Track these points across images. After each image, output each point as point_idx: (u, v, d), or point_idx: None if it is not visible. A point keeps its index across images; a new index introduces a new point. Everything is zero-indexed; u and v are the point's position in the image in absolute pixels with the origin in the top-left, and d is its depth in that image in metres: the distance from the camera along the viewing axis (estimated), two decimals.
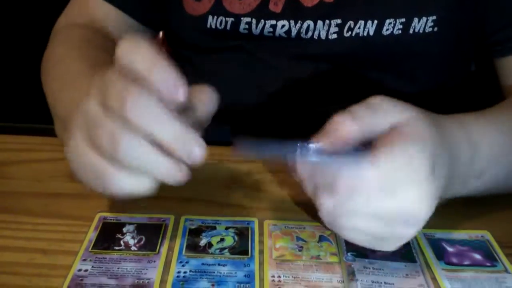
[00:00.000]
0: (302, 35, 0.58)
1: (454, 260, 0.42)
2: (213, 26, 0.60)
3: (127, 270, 0.40)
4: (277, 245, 0.43)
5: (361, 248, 0.40)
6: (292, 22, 0.58)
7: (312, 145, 0.36)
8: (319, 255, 0.42)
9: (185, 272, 0.40)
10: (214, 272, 0.40)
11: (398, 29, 0.56)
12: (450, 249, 0.43)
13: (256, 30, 0.59)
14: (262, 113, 0.63)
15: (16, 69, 1.81)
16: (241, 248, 0.43)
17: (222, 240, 0.43)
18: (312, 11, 0.57)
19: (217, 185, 0.51)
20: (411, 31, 0.56)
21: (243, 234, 0.44)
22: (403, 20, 0.56)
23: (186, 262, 0.41)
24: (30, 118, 1.73)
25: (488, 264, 0.42)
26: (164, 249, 0.42)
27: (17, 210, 0.46)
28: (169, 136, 0.33)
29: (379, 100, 0.38)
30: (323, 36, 0.58)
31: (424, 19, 0.56)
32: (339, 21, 0.57)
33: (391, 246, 0.39)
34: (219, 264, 0.41)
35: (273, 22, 0.58)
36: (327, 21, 0.57)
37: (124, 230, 0.44)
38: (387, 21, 0.56)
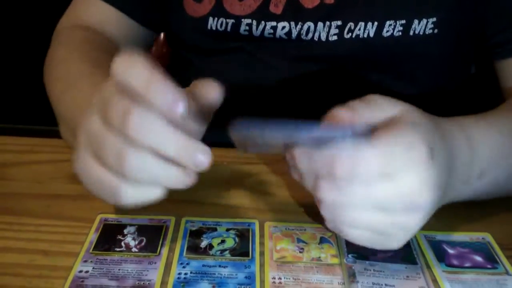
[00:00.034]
0: (302, 37, 0.58)
1: (455, 262, 0.42)
2: (214, 28, 0.60)
3: (128, 272, 0.40)
4: (278, 247, 0.43)
5: (362, 250, 0.40)
6: (292, 23, 0.58)
7: (312, 126, 0.36)
8: (319, 257, 0.42)
9: (185, 274, 0.40)
10: (214, 274, 0.40)
11: (398, 30, 0.56)
12: (451, 251, 0.43)
13: (256, 32, 0.59)
14: (263, 114, 0.63)
15: (17, 70, 1.81)
16: (242, 249, 0.43)
17: (223, 241, 0.43)
18: (312, 12, 0.57)
19: (218, 187, 0.51)
20: (411, 32, 0.57)
21: (244, 236, 0.44)
22: (403, 22, 0.56)
23: (187, 264, 0.41)
24: (30, 120, 1.74)
25: (489, 266, 0.42)
26: (165, 251, 0.42)
27: (17, 212, 0.46)
28: (173, 149, 0.34)
29: (375, 96, 0.39)
30: (323, 37, 0.58)
31: (424, 21, 0.56)
32: (339, 22, 0.57)
33: (393, 242, 0.38)
34: (219, 266, 0.41)
35: (274, 23, 0.58)
36: (327, 23, 0.57)
37: (125, 231, 0.44)
38: (387, 22, 0.56)
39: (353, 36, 0.57)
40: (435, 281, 0.40)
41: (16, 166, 0.54)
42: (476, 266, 0.42)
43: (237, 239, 0.44)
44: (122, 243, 0.43)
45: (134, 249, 0.42)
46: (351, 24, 0.57)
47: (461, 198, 0.44)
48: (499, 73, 0.62)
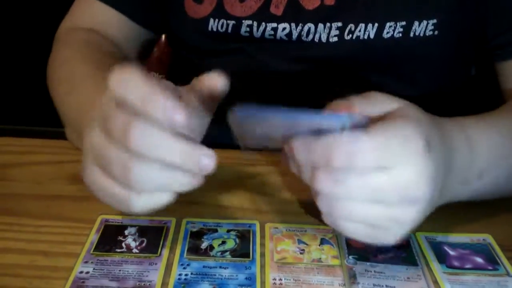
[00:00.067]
0: (303, 38, 0.58)
1: (456, 263, 0.42)
2: (214, 29, 0.60)
3: (129, 273, 0.40)
4: (279, 248, 0.43)
5: (363, 251, 0.40)
6: (293, 25, 0.58)
7: (311, 113, 0.36)
8: (320, 258, 0.42)
9: (186, 275, 0.40)
10: (215, 275, 0.40)
11: (399, 32, 0.57)
12: (451, 252, 0.43)
13: (257, 33, 0.59)
14: None
15: (17, 71, 1.81)
16: (243, 250, 0.43)
17: (223, 242, 0.43)
18: (313, 14, 0.57)
19: (219, 188, 0.51)
20: (411, 34, 0.57)
21: (244, 237, 0.44)
22: (403, 23, 0.56)
23: (188, 265, 0.41)
24: (31, 121, 1.74)
25: (489, 267, 0.42)
26: (165, 252, 0.42)
27: (18, 212, 0.46)
28: (177, 158, 0.34)
29: (374, 92, 0.39)
30: (323, 39, 0.58)
31: (425, 22, 0.56)
32: (339, 24, 0.57)
33: (389, 236, 0.37)
34: (220, 267, 0.41)
35: (274, 25, 0.58)
36: (328, 24, 0.57)
37: (126, 232, 0.44)
38: (388, 24, 0.56)
39: (354, 37, 0.57)
40: (435, 282, 0.40)
41: (16, 167, 0.54)
42: (476, 268, 0.42)
43: (237, 240, 0.44)
44: (123, 244, 0.43)
45: (134, 250, 0.42)
46: (351, 26, 0.57)
47: (461, 198, 0.44)
48: (500, 75, 0.62)
